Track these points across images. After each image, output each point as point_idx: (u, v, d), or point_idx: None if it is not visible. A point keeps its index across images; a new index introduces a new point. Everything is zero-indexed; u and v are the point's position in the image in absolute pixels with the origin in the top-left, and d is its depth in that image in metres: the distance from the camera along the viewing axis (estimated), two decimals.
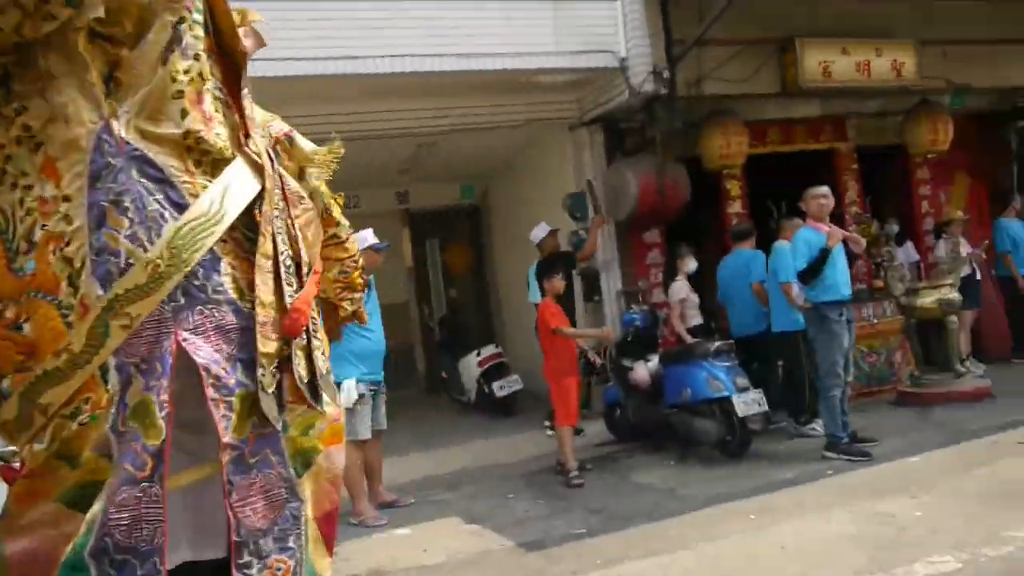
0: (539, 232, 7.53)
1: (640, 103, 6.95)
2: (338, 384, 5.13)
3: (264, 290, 1.67)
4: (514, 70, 6.56)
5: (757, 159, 7.70)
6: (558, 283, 6.08)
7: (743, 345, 6.33)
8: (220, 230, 1.60)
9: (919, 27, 7.65)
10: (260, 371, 1.62)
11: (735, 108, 7.28)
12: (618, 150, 7.66)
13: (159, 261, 1.51)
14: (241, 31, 1.80)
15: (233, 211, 1.64)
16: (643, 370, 6.39)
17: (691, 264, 6.89)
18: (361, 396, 5.21)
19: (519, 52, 6.50)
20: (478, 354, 8.94)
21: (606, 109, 7.28)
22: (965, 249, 7.88)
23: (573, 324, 6.31)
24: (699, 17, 6.76)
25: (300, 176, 2.11)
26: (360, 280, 2.47)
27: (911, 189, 8.85)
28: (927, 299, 6.81)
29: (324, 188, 2.24)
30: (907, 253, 8.22)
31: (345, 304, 2.47)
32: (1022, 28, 8.16)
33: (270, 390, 1.64)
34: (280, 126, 2.07)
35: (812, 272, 5.41)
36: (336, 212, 2.33)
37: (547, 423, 7.40)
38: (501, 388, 8.56)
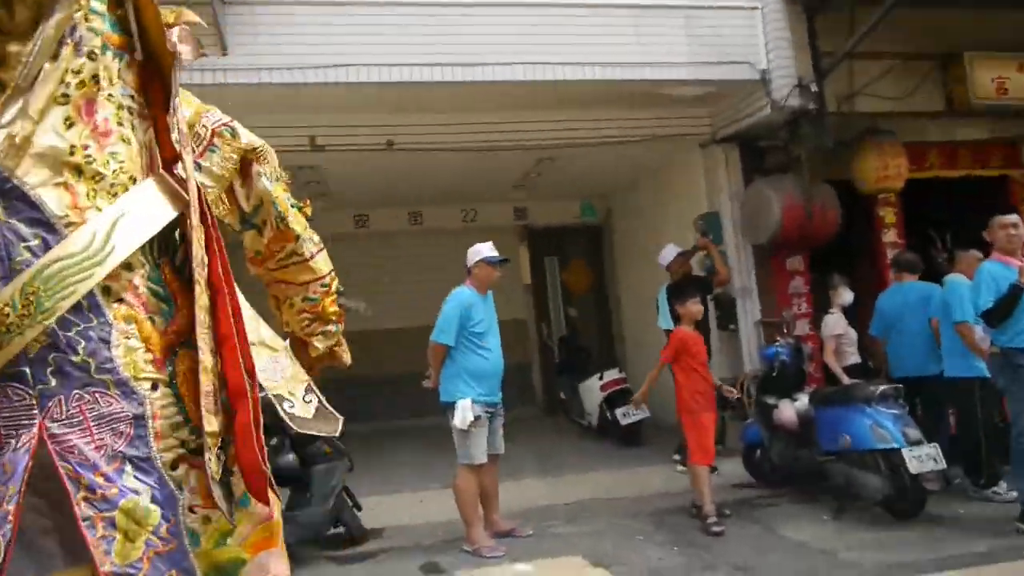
0: (668, 254, 7.12)
1: (782, 119, 6.46)
2: (452, 404, 5.06)
3: (207, 352, 1.31)
4: (645, 80, 6.23)
5: (913, 184, 7.04)
6: (694, 308, 5.62)
7: (906, 388, 5.68)
8: (102, 273, 1.24)
9: None
10: (207, 454, 1.28)
11: (892, 127, 6.66)
12: (755, 170, 7.17)
13: (7, 309, 1.17)
14: (174, 32, 1.45)
15: (124, 249, 1.28)
16: (790, 410, 5.88)
17: (847, 296, 6.32)
18: (477, 418, 4.99)
19: (651, 62, 6.17)
20: (600, 378, 8.60)
21: (743, 126, 6.85)
22: None
23: (708, 354, 5.85)
24: (849, 29, 6.23)
25: (245, 177, 1.76)
26: (334, 308, 2.02)
27: None
28: None
29: (280, 192, 1.84)
30: None
31: (316, 341, 2.01)
32: None
33: (218, 477, 1.31)
34: (217, 116, 1.72)
35: (1001, 313, 4.77)
36: (296, 224, 1.89)
37: (676, 457, 6.99)
38: (625, 416, 8.18)
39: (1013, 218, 5.11)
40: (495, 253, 5.22)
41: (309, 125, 6.59)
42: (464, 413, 4.91)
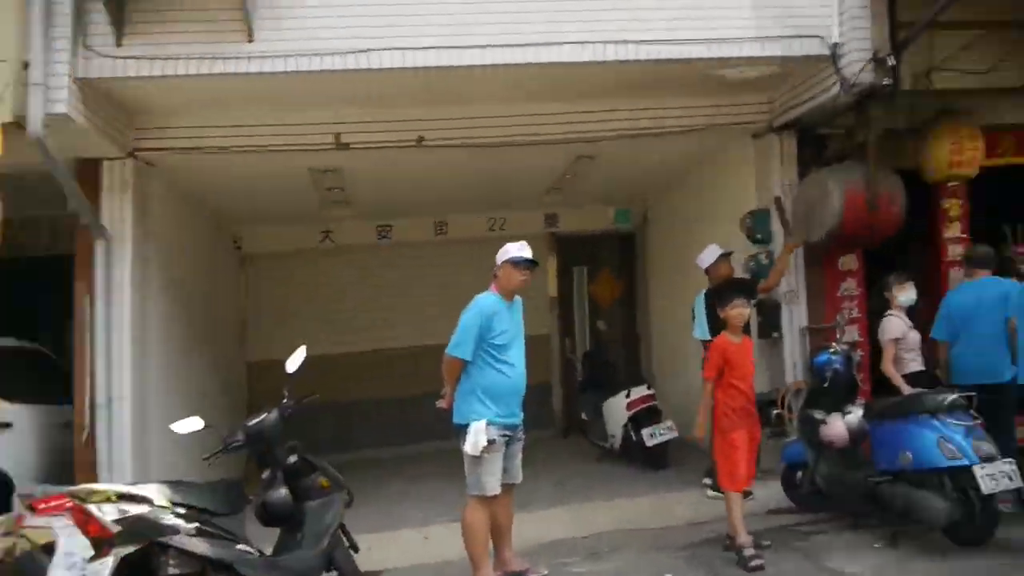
0: (708, 256, 6.35)
1: (850, 101, 5.67)
2: (465, 426, 4.28)
3: None
4: (702, 59, 5.43)
5: (982, 172, 6.17)
6: (738, 311, 4.83)
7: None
8: None
9: None
10: None
11: (968, 107, 5.84)
12: (813, 160, 6.37)
13: None
14: None
15: None
16: (840, 425, 5.04)
17: (910, 294, 5.46)
18: (491, 442, 4.27)
19: (709, 39, 5.40)
20: (627, 395, 7.78)
21: (804, 110, 6.00)
22: None
23: None
24: None
25: None
26: None
27: None
28: None
29: None
30: None
31: None
32: None
33: None
34: None
35: None
36: None
37: (707, 481, 6.19)
38: (652, 436, 7.36)
39: None
40: (525, 253, 4.50)
41: (334, 121, 6.04)
42: (477, 437, 4.22)
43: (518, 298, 4.63)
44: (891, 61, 5.26)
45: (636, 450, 7.56)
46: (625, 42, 5.26)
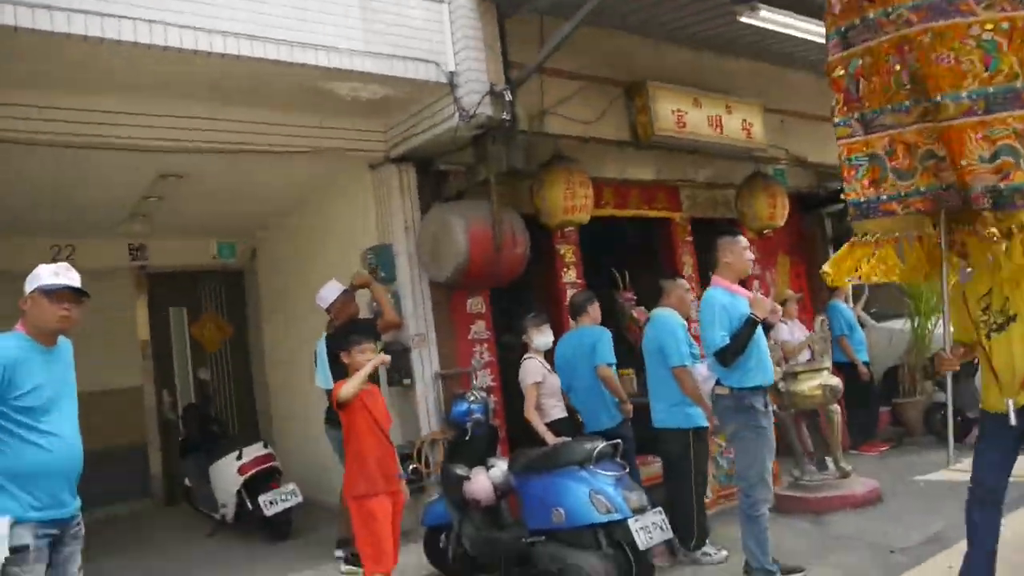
0: (329, 293, 5.71)
1: (469, 135, 5.51)
2: None
3: None
4: (313, 67, 4.75)
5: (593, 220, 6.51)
6: (365, 355, 4.24)
7: None
8: None
9: (759, 91, 7.07)
10: None
11: (577, 155, 6.10)
12: (435, 196, 6.11)
13: None
14: None
15: None
16: (485, 480, 4.73)
17: (546, 337, 5.39)
18: (22, 550, 2.90)
19: (319, 44, 4.76)
20: (239, 456, 6.70)
21: (422, 140, 5.70)
22: (801, 332, 7.25)
23: None
24: (539, 40, 5.54)
25: None
26: None
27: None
28: (809, 384, 5.85)
29: None
30: (792, 332, 7.17)
31: None
32: None
33: None
34: None
35: (739, 349, 4.15)
36: None
37: (339, 553, 5.49)
38: (272, 503, 6.40)
39: (746, 240, 4.65)
40: (63, 279, 3.16)
41: None
42: None
43: (65, 341, 3.36)
44: (507, 96, 5.18)
45: (253, 520, 6.54)
46: (209, 31, 4.32)
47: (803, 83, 7.42)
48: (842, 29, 3.38)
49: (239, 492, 6.65)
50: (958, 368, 3.60)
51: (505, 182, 5.78)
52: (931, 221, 3.58)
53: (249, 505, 6.54)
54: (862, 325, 8.63)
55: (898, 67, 3.25)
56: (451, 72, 5.28)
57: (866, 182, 3.55)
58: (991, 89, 3.07)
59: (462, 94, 5.25)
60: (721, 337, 4.20)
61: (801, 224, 8.65)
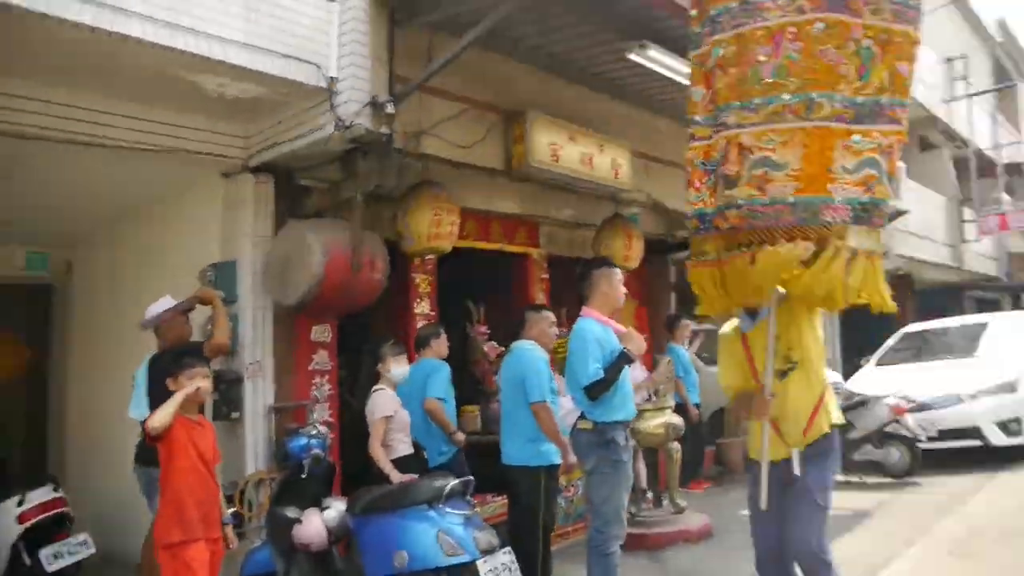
0: (157, 309, 5.02)
1: (340, 149, 5.10)
2: None
3: None
4: (174, 50, 4.16)
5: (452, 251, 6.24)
6: (192, 381, 3.70)
7: None
8: None
9: (629, 134, 7.16)
10: None
11: (447, 181, 5.82)
12: (290, 213, 5.58)
13: None
14: None
15: None
16: (319, 523, 4.18)
17: (404, 368, 4.96)
18: None
19: (196, 29, 4.22)
20: (20, 502, 5.68)
21: (290, 150, 5.21)
22: (642, 374, 7.25)
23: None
24: (428, 55, 5.29)
25: None
26: None
27: None
28: (653, 423, 5.86)
29: None
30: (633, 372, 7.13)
31: None
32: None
33: None
34: None
35: (609, 383, 3.92)
36: None
37: None
38: (56, 557, 5.47)
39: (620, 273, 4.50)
40: None
41: None
42: None
43: None
44: (390, 109, 4.84)
45: None
46: None
47: (669, 130, 7.58)
48: (712, 14, 3.09)
49: (15, 545, 5.60)
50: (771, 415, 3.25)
51: (368, 204, 5.41)
52: (737, 241, 3.18)
53: (27, 560, 5.52)
54: (696, 368, 8.87)
55: (762, 58, 2.95)
56: (332, 77, 4.88)
57: (711, 191, 3.18)
58: (859, 99, 2.93)
59: (340, 102, 4.86)
60: (595, 370, 4.00)
61: (647, 268, 8.81)
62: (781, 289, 3.22)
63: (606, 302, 4.36)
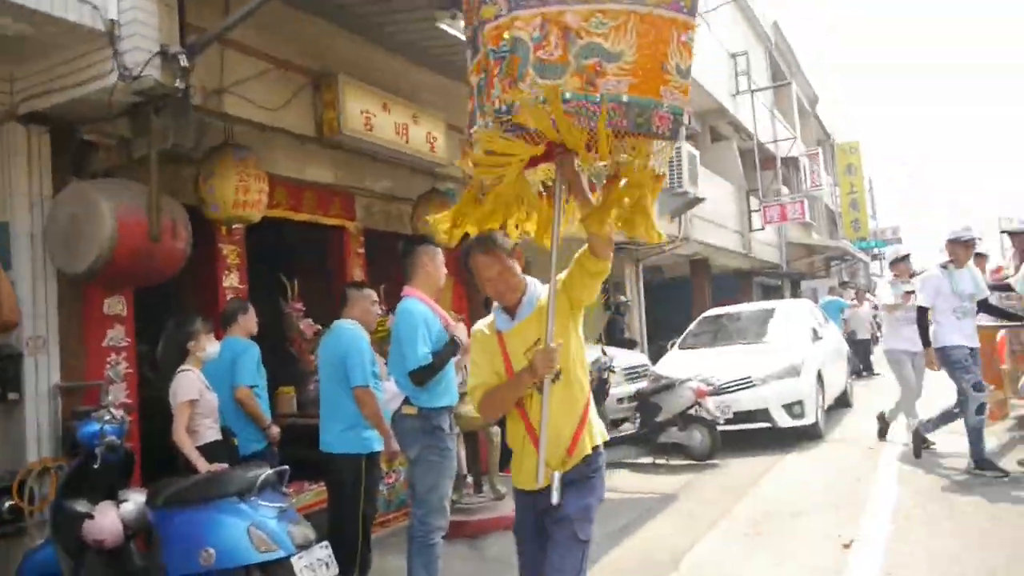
0: None
1: (127, 101, 4.64)
2: None
3: None
4: None
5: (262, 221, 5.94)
6: None
7: None
8: None
9: (443, 106, 7.06)
10: None
11: (254, 145, 5.52)
12: (75, 171, 5.02)
13: None
14: None
15: None
16: (114, 517, 3.89)
17: (212, 348, 4.66)
18: None
19: None
20: None
21: (68, 98, 4.64)
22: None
23: None
24: (225, 5, 4.95)
25: None
26: None
27: None
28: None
29: None
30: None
31: None
32: None
33: None
34: None
35: (438, 369, 3.91)
36: None
37: None
38: None
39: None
40: None
41: None
42: None
43: None
44: (183, 61, 4.44)
45: None
46: None
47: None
48: None
49: None
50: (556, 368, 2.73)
51: (166, 165, 4.99)
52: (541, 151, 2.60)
53: None
54: None
55: None
56: (112, 20, 4.38)
57: (507, 82, 2.47)
58: None
59: (125, 49, 4.38)
60: (424, 355, 3.96)
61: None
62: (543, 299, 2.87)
63: (428, 281, 4.31)
